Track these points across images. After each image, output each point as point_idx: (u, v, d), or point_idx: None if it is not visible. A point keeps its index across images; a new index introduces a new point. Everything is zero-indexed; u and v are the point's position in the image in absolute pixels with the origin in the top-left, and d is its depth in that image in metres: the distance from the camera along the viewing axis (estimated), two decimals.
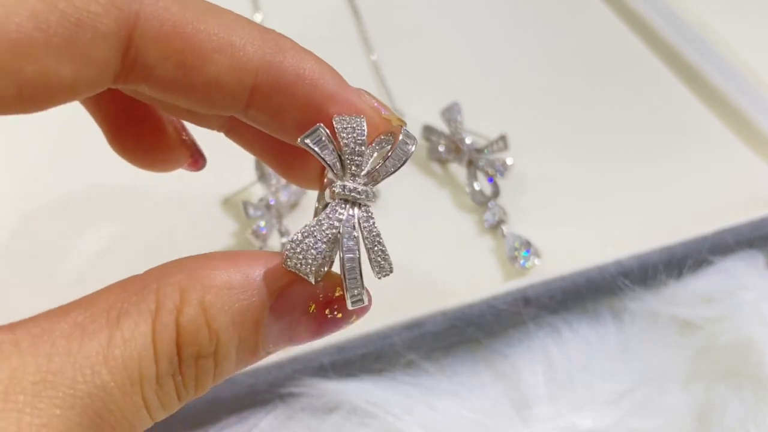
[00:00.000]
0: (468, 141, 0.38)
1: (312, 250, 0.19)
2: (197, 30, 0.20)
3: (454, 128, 0.38)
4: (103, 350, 0.17)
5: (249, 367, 0.29)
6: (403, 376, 0.31)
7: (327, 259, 0.19)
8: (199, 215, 0.36)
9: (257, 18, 0.43)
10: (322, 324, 0.20)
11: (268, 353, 0.21)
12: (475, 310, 0.31)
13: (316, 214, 0.21)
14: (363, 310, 0.21)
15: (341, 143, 0.20)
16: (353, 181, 0.20)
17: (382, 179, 0.20)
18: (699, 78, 0.43)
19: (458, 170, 0.38)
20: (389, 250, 0.19)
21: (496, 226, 0.36)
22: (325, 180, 0.20)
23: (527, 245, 0.34)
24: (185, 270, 0.20)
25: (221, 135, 0.28)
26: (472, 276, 0.34)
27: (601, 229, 0.36)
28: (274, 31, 0.21)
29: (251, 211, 0.34)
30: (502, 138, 0.37)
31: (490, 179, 0.37)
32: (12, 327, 0.17)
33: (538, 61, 0.45)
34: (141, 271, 0.32)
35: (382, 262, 0.19)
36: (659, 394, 0.31)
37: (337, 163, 0.20)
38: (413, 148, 0.20)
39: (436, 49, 0.46)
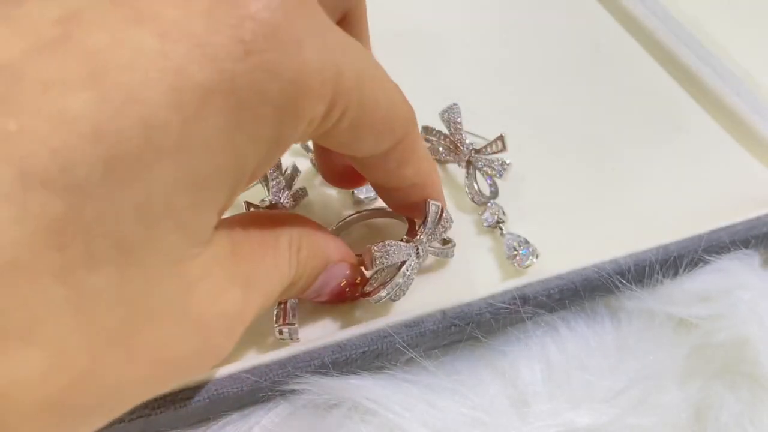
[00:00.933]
0: (467, 141, 0.38)
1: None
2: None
3: (453, 129, 0.38)
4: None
5: (251, 365, 0.29)
6: (403, 373, 0.31)
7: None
8: None
9: None
10: (339, 294, 0.30)
11: (305, 295, 0.30)
12: (474, 309, 0.31)
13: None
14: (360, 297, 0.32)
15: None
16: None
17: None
18: (695, 79, 0.43)
19: (457, 171, 0.39)
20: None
21: (494, 226, 0.36)
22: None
23: (525, 244, 0.35)
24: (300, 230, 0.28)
25: None
26: (471, 275, 0.35)
27: (598, 229, 0.36)
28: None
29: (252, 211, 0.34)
30: (501, 138, 0.37)
31: (489, 179, 0.37)
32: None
33: (537, 63, 0.45)
34: None
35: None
36: (656, 392, 0.32)
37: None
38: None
39: (436, 49, 0.46)
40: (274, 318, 0.31)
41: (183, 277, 0.20)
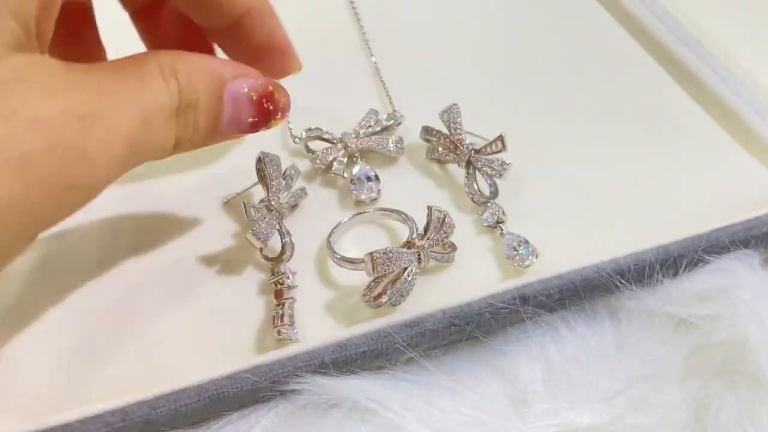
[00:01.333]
0: (467, 142, 0.38)
1: None
2: None
3: (453, 129, 0.38)
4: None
5: (251, 365, 0.29)
6: (403, 373, 0.31)
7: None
8: (199, 216, 0.37)
9: None
10: (262, 112, 0.29)
11: (224, 136, 0.30)
12: (473, 309, 0.31)
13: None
14: (286, 111, 0.31)
15: None
16: None
17: None
18: (694, 79, 0.43)
19: (457, 171, 0.39)
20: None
21: (494, 226, 0.36)
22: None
23: (525, 244, 0.35)
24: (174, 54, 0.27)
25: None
26: (470, 275, 0.35)
27: (598, 229, 0.36)
28: None
29: (252, 212, 0.34)
30: (501, 139, 0.37)
31: (489, 179, 0.37)
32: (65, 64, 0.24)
33: (537, 63, 0.45)
34: (141, 273, 0.34)
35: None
36: (655, 392, 0.32)
37: None
38: None
39: (436, 49, 0.46)
40: (272, 321, 0.31)
41: None
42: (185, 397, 0.29)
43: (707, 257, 0.34)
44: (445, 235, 0.33)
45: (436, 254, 0.33)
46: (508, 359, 0.32)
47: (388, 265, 0.31)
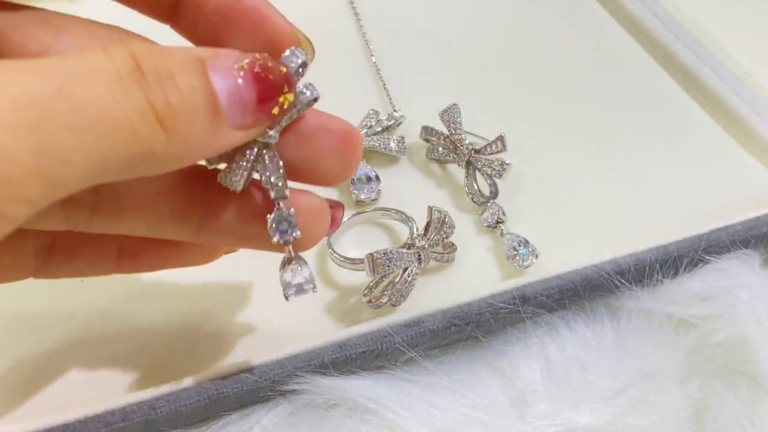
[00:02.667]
0: (467, 142, 0.38)
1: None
2: None
3: (453, 129, 0.38)
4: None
5: (251, 365, 0.29)
6: (403, 373, 0.31)
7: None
8: None
9: None
10: (260, 82, 0.23)
11: (237, 126, 0.23)
12: (473, 309, 0.31)
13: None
14: (291, 82, 0.24)
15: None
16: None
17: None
18: (695, 79, 0.43)
19: (457, 171, 0.39)
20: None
21: (494, 226, 0.36)
22: None
23: (525, 244, 0.35)
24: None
25: None
26: (470, 275, 0.35)
27: (597, 229, 0.36)
28: None
29: None
30: (501, 139, 0.37)
31: (489, 179, 0.37)
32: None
33: (537, 63, 0.45)
34: (142, 273, 0.33)
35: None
36: (655, 392, 0.32)
37: None
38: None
39: (436, 49, 0.46)
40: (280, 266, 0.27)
41: None
42: (185, 397, 0.29)
43: (707, 257, 0.34)
44: (445, 236, 0.34)
45: (436, 254, 0.33)
46: (508, 359, 0.32)
47: (388, 266, 0.31)
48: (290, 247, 0.25)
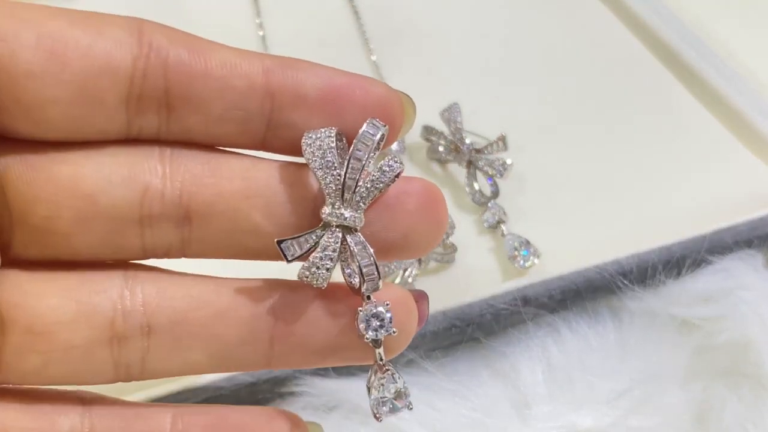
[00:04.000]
0: (467, 141, 0.38)
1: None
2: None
3: (453, 129, 0.38)
4: None
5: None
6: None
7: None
8: None
9: (257, 20, 0.44)
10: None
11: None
12: (474, 310, 0.31)
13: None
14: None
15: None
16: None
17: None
18: (698, 78, 0.43)
19: (458, 170, 0.39)
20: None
21: (495, 226, 0.36)
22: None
23: (527, 245, 0.34)
24: None
25: None
26: (471, 276, 0.34)
27: (600, 229, 0.36)
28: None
29: None
30: (502, 138, 0.37)
31: (490, 179, 0.37)
32: None
33: (538, 62, 0.45)
34: None
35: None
36: (658, 393, 0.32)
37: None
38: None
39: (436, 49, 0.46)
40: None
41: None
42: (185, 398, 0.29)
43: (710, 258, 0.34)
44: (445, 236, 0.33)
45: (436, 255, 0.33)
46: (510, 361, 0.32)
47: (387, 267, 0.31)
48: (381, 351, 0.21)
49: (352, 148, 0.20)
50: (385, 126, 0.21)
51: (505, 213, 0.36)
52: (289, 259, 0.20)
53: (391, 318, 0.21)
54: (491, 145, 0.37)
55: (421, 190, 0.22)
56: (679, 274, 0.34)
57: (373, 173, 0.21)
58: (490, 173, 0.37)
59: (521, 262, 0.34)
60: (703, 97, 0.42)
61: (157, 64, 0.20)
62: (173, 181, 0.20)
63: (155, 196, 0.20)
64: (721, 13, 0.47)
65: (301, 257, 0.21)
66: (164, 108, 0.20)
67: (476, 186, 0.37)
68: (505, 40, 0.47)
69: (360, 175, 0.20)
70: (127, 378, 0.21)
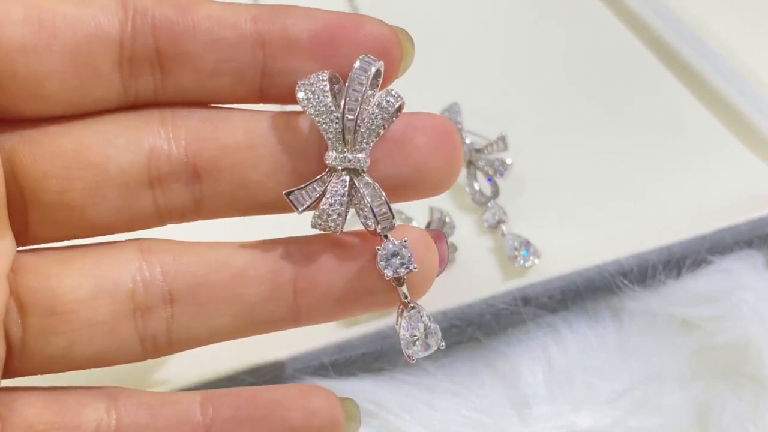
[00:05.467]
0: (467, 141, 0.38)
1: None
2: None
3: None
4: None
5: (250, 367, 0.29)
6: (403, 375, 0.31)
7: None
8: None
9: None
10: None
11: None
12: (474, 310, 0.31)
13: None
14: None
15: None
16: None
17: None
18: (698, 78, 0.43)
19: None
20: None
21: (495, 226, 0.36)
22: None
23: (527, 245, 0.34)
24: None
25: None
26: (471, 276, 0.34)
27: (600, 229, 0.36)
28: None
29: None
30: (502, 138, 0.37)
31: (490, 179, 0.37)
32: None
33: (538, 62, 0.45)
34: None
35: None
36: (658, 393, 0.31)
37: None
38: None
39: (436, 49, 0.46)
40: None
41: None
42: None
43: (711, 258, 0.34)
44: (445, 236, 0.33)
45: None
46: (510, 361, 0.32)
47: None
48: (404, 289, 0.21)
49: (346, 88, 0.20)
50: (378, 61, 0.21)
51: (505, 213, 0.36)
52: (300, 209, 0.20)
53: (410, 254, 0.20)
54: (491, 145, 0.37)
55: (430, 123, 0.21)
56: (679, 274, 0.34)
57: (372, 111, 0.20)
58: (490, 173, 0.37)
59: (521, 262, 0.34)
60: (703, 97, 0.42)
61: (144, 25, 0.20)
62: (177, 140, 0.20)
63: (161, 156, 0.20)
64: (721, 13, 0.47)
65: (312, 206, 0.20)
66: (157, 68, 0.20)
67: (476, 186, 0.37)
68: (505, 40, 0.47)
69: (358, 115, 0.20)
70: (155, 352, 0.21)
